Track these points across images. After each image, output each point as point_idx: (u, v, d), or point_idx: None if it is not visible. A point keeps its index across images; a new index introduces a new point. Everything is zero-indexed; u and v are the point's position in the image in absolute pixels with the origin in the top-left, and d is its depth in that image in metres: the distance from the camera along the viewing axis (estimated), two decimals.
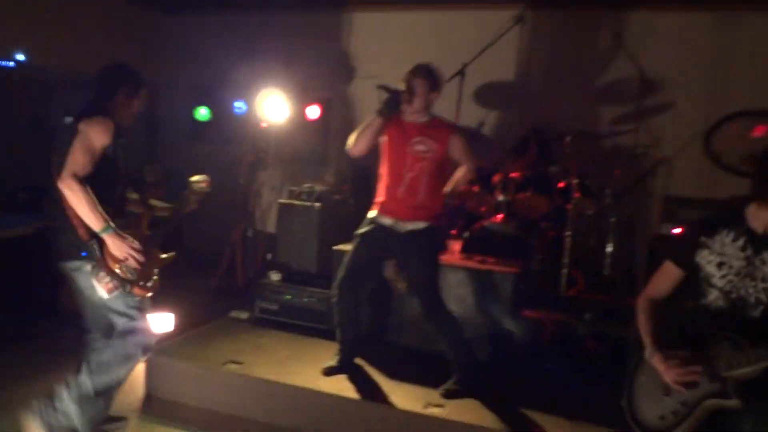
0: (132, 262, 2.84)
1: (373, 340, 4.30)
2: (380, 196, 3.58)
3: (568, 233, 4.71)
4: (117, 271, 2.81)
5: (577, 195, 4.70)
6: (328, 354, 3.86)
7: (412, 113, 3.45)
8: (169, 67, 7.15)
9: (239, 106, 6.18)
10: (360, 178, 6.06)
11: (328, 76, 6.54)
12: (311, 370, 3.74)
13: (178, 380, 3.76)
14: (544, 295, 4.62)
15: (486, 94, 5.88)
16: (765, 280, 2.14)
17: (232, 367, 3.73)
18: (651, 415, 2.22)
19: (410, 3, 6.00)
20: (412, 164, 3.43)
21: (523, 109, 5.81)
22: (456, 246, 4.58)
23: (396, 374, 3.78)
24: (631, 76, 5.19)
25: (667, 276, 2.37)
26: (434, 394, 3.51)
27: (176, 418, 3.57)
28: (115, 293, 2.82)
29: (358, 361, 3.92)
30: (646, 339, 2.30)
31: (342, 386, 3.58)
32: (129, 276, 2.86)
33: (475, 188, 4.86)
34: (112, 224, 2.76)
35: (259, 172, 5.93)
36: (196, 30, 6.98)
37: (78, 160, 2.70)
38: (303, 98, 6.42)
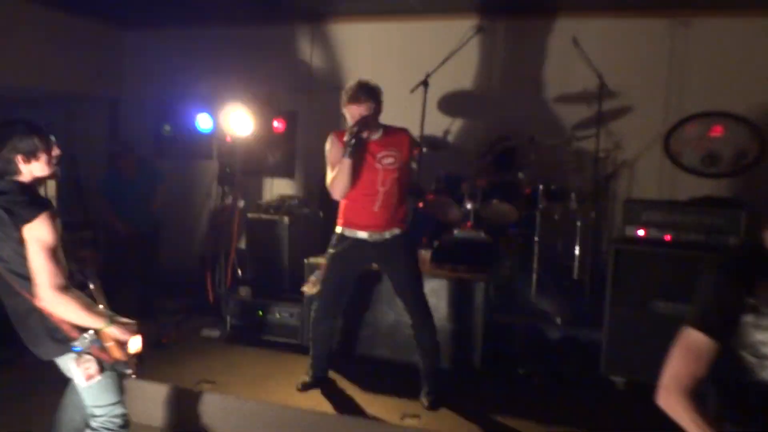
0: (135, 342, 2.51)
1: (345, 353, 4.29)
2: (350, 214, 3.54)
3: (536, 238, 4.79)
4: (118, 356, 2.48)
5: (543, 200, 4.78)
6: (302, 369, 3.84)
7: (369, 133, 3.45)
8: (129, 83, 7.06)
9: (203, 120, 6.12)
10: (327, 191, 6.05)
11: (292, 88, 6.52)
12: (285, 386, 3.72)
13: (150, 402, 3.69)
14: (514, 300, 4.67)
15: (450, 103, 5.93)
16: None
17: (205, 386, 3.68)
18: None
19: (371, 13, 6.02)
20: (384, 179, 3.44)
21: (487, 117, 5.87)
22: (426, 255, 4.60)
23: (370, 387, 3.78)
24: (590, 82, 5.29)
25: (697, 351, 1.74)
26: (410, 405, 3.52)
27: None
28: (97, 379, 2.47)
29: (332, 375, 3.91)
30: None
31: (317, 401, 3.57)
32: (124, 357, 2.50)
33: (444, 197, 4.90)
34: (110, 313, 2.52)
35: (226, 186, 5.87)
36: (156, 45, 6.90)
37: (49, 269, 2.33)
38: (268, 111, 6.39)
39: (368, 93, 3.35)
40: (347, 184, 3.37)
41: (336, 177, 3.39)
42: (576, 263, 4.99)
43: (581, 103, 5.51)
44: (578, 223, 5.01)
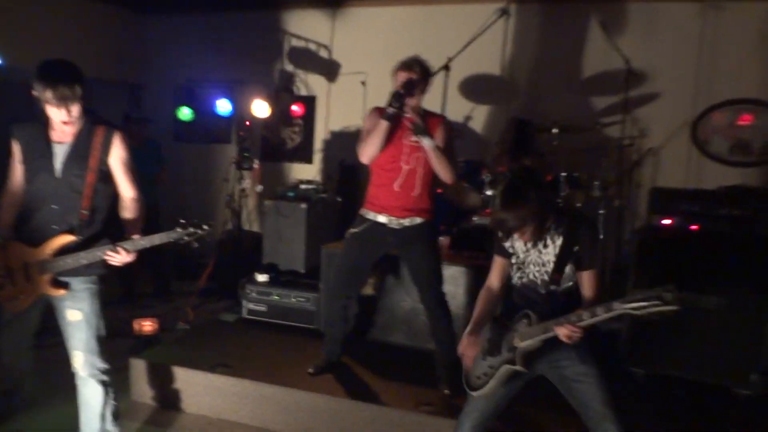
0: None
1: (361, 338, 4.26)
2: (373, 193, 3.51)
3: None
4: None
5: (565, 187, 4.68)
6: (317, 354, 3.81)
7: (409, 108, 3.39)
8: (149, 68, 7.07)
9: (223, 105, 6.10)
10: (346, 176, 6.01)
11: (312, 72, 6.48)
12: (301, 371, 3.69)
13: (166, 385, 3.70)
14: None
15: (472, 88, 5.85)
16: (543, 265, 2.52)
17: (221, 370, 3.67)
18: (473, 375, 2.57)
19: None
20: (409, 155, 3.37)
21: (510, 103, 5.77)
22: (445, 242, 4.54)
23: (385, 373, 3.74)
24: (617, 67, 5.16)
25: (493, 263, 2.72)
26: (425, 393, 3.47)
27: (164, 424, 3.52)
28: None
29: (346, 360, 3.87)
30: (472, 320, 2.66)
31: (332, 387, 3.53)
32: None
33: (463, 183, 4.82)
34: None
35: (244, 171, 5.86)
36: (176, 30, 6.90)
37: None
38: (287, 96, 6.36)
39: (421, 66, 3.39)
40: (378, 147, 3.33)
41: (368, 138, 3.35)
42: None
43: (607, 89, 5.40)
44: (601, 212, 4.90)
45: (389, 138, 3.35)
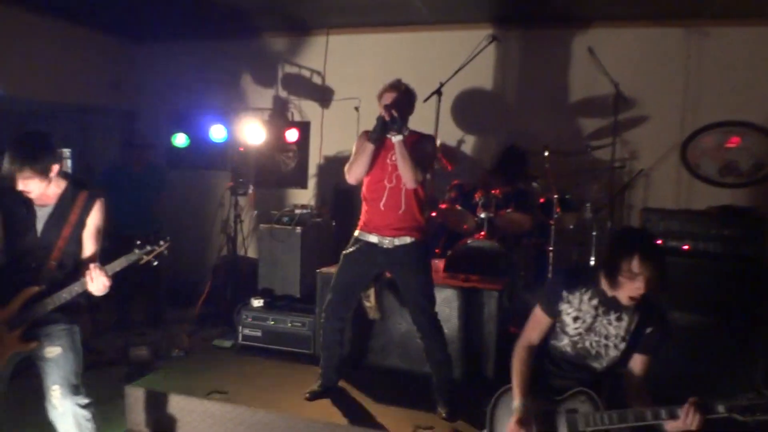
0: None
1: (356, 362, 4.25)
2: (363, 214, 3.57)
3: (550, 248, 4.73)
4: None
5: (558, 210, 4.73)
6: (313, 379, 3.80)
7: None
8: (144, 94, 7.13)
9: (217, 131, 6.15)
10: (340, 200, 6.05)
11: (305, 99, 6.55)
12: (297, 396, 3.68)
13: (162, 413, 3.67)
14: (528, 310, 4.60)
15: (464, 113, 5.92)
16: (607, 338, 2.42)
17: (217, 396, 3.65)
18: None
19: (384, 24, 6.04)
20: (391, 174, 3.43)
21: (502, 127, 5.85)
22: (440, 264, 4.56)
23: (382, 397, 3.73)
24: (606, 92, 5.25)
25: (539, 323, 2.57)
26: (423, 417, 3.46)
27: None
28: None
29: (342, 384, 3.87)
30: (516, 390, 2.47)
31: (329, 411, 3.52)
32: None
33: (457, 206, 4.87)
34: None
35: (239, 196, 5.89)
36: (171, 57, 6.97)
37: None
38: (281, 122, 6.41)
39: (406, 88, 3.49)
40: (362, 168, 3.42)
41: (354, 159, 3.45)
42: None
43: (597, 113, 5.48)
44: (593, 233, 4.95)
45: (375, 159, 3.43)
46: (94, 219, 2.78)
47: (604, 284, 2.41)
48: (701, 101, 5.36)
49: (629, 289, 2.27)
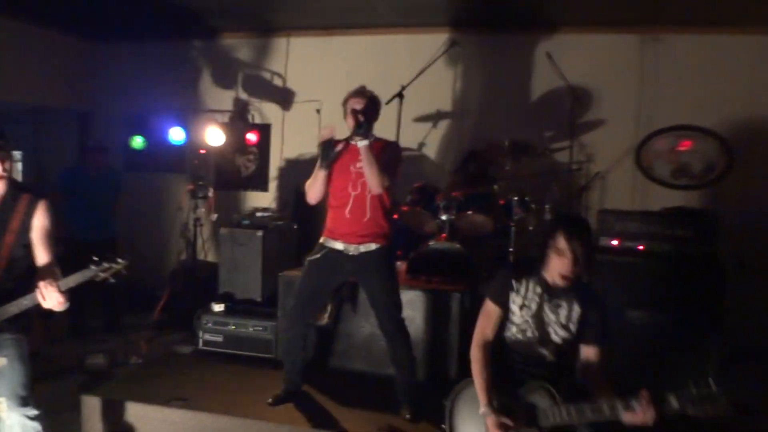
0: None
1: (320, 366, 4.23)
2: (329, 221, 3.56)
3: (511, 249, 4.79)
4: None
5: (518, 211, 4.79)
6: (276, 384, 3.76)
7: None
8: (99, 95, 6.96)
9: (176, 133, 6.05)
10: (302, 203, 6.00)
11: (266, 101, 6.49)
12: (259, 401, 3.64)
13: (120, 422, 3.58)
14: None
15: (425, 116, 5.96)
16: (550, 325, 2.51)
17: (177, 404, 3.58)
18: None
19: (345, 27, 6.03)
20: (355, 182, 3.43)
21: (462, 129, 5.91)
22: (402, 267, 4.57)
23: (345, 400, 3.72)
24: (563, 95, 5.35)
25: (490, 316, 2.63)
26: (386, 418, 3.46)
27: None
28: None
29: (306, 388, 3.84)
30: (481, 394, 2.46)
31: (292, 416, 3.50)
32: None
33: (419, 209, 4.88)
34: None
35: (198, 199, 5.80)
36: (128, 58, 6.83)
37: None
38: (241, 124, 6.35)
39: (372, 95, 3.51)
40: (319, 194, 3.48)
41: (310, 184, 3.48)
42: None
43: (556, 117, 5.58)
44: None
45: (339, 167, 3.44)
46: (39, 222, 2.67)
47: (545, 271, 2.53)
48: (655, 106, 5.52)
49: (558, 265, 2.42)
